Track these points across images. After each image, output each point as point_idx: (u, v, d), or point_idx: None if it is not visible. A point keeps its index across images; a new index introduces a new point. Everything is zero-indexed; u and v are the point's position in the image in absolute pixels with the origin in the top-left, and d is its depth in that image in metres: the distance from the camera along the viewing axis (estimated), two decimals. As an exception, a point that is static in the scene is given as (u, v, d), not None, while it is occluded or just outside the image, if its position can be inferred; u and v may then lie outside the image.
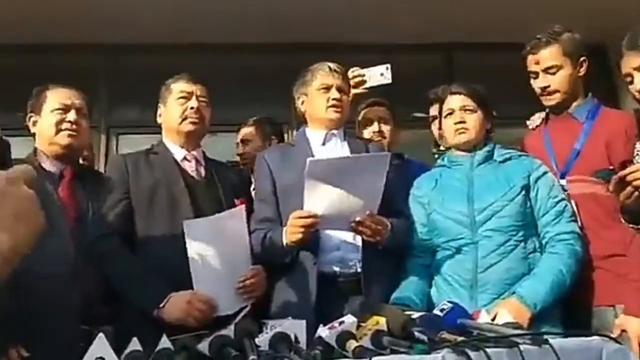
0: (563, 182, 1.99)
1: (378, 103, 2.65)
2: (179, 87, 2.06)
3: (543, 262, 1.83)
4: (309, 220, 1.74)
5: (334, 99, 2.06)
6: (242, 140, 2.91)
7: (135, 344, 1.27)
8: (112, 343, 1.24)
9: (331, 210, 1.74)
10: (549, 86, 2.07)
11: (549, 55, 2.07)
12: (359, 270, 1.90)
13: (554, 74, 2.07)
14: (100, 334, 1.25)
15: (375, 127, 2.58)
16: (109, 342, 1.24)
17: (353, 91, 2.37)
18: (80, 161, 2.51)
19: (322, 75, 2.10)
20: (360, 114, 2.65)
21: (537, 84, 2.11)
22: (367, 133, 2.58)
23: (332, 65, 2.12)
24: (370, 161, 1.83)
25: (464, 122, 2.00)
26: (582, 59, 2.09)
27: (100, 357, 1.19)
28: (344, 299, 1.87)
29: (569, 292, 1.81)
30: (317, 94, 2.09)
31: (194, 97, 2.03)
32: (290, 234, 1.79)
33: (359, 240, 1.89)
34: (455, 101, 2.04)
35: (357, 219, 1.75)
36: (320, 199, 1.73)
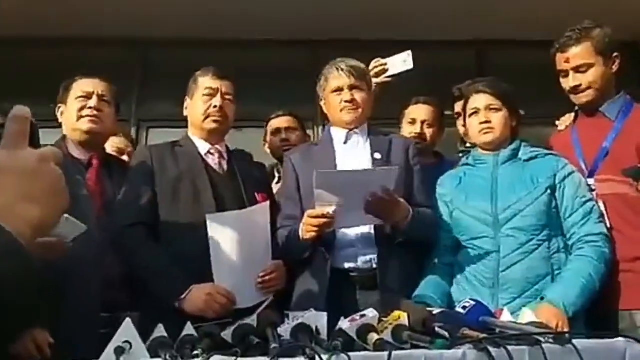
0: (591, 181, 1.95)
1: (427, 102, 2.63)
2: (205, 82, 2.08)
3: (572, 266, 1.80)
4: (322, 221, 1.75)
5: (346, 101, 2.07)
6: (287, 128, 2.83)
7: (160, 330, 1.30)
8: (138, 329, 1.27)
9: (343, 206, 1.75)
10: (580, 85, 2.03)
11: (579, 53, 2.02)
12: (374, 266, 1.91)
13: (584, 72, 2.02)
14: (128, 319, 1.28)
15: (417, 128, 2.57)
16: (135, 327, 1.27)
17: (376, 80, 2.36)
18: (125, 158, 2.58)
19: (333, 77, 2.10)
20: (407, 109, 2.64)
21: (567, 83, 2.07)
22: (408, 131, 2.58)
23: (341, 65, 2.10)
24: (378, 175, 1.83)
25: (489, 121, 1.98)
26: (614, 55, 2.03)
27: (127, 342, 1.22)
28: (358, 293, 1.89)
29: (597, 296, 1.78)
30: (331, 97, 2.11)
31: (218, 95, 2.05)
32: (305, 232, 1.82)
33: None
34: (480, 100, 2.01)
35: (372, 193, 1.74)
36: (331, 202, 1.74)
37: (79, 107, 2.06)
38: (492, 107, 1.99)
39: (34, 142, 0.64)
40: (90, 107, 2.06)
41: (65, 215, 0.76)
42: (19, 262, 0.52)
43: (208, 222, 1.77)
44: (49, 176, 0.62)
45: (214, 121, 2.05)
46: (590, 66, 2.01)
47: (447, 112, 2.88)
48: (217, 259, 1.79)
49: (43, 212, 0.59)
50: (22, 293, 0.52)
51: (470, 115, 2.04)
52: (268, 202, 1.91)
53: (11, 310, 0.50)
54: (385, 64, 2.44)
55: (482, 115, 2.00)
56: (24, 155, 0.61)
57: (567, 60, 2.04)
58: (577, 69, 2.03)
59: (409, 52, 2.43)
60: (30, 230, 0.56)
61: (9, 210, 0.55)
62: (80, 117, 2.05)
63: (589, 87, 2.02)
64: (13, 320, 0.51)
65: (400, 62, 2.44)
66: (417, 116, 2.60)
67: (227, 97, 2.07)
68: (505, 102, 2.00)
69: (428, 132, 2.59)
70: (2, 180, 0.58)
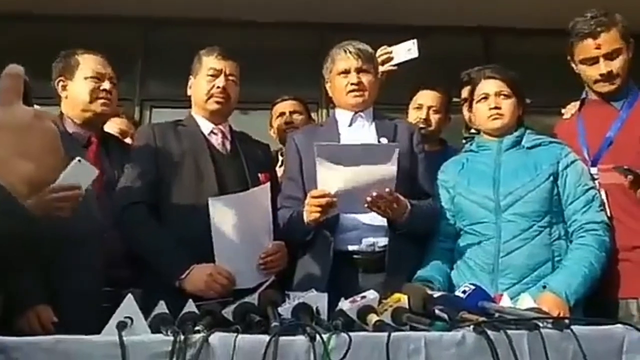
0: (593, 170, 1.95)
1: (433, 88, 2.62)
2: (209, 62, 2.06)
3: (574, 254, 1.81)
4: (324, 200, 1.75)
5: (352, 84, 2.05)
6: (292, 112, 2.84)
7: (162, 307, 1.31)
8: (139, 305, 1.28)
9: (345, 188, 1.75)
10: (611, 71, 1.97)
11: (611, 39, 1.95)
12: (377, 249, 1.92)
13: (615, 58, 1.97)
14: (129, 295, 1.29)
15: (422, 113, 2.57)
16: (137, 303, 1.28)
17: (381, 69, 2.35)
18: (128, 140, 2.56)
19: (340, 59, 2.08)
20: (414, 94, 2.63)
21: (596, 70, 1.98)
22: (414, 116, 2.57)
23: (349, 47, 2.08)
24: (378, 150, 1.83)
25: (499, 107, 1.97)
26: (631, 42, 2.00)
27: (129, 317, 1.23)
28: (360, 276, 1.90)
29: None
30: (337, 79, 2.09)
31: (222, 76, 2.03)
32: (308, 213, 1.82)
33: (379, 222, 1.90)
34: (490, 86, 2.00)
35: (374, 194, 1.75)
36: (333, 178, 1.75)
37: (91, 87, 2.03)
38: (502, 93, 1.98)
39: (27, 101, 0.63)
40: (105, 90, 2.04)
41: (78, 158, 0.75)
42: (14, 217, 0.52)
43: (210, 205, 1.78)
44: (44, 133, 0.61)
45: (217, 102, 2.04)
46: (619, 52, 1.97)
47: (454, 99, 2.87)
48: (219, 240, 1.80)
49: (38, 169, 0.58)
50: (17, 249, 0.52)
51: (479, 100, 2.02)
52: (269, 184, 1.91)
53: (7, 266, 0.50)
54: (391, 52, 2.43)
55: (491, 100, 1.98)
56: (19, 112, 0.60)
57: (598, 47, 1.96)
58: (609, 55, 1.97)
59: (414, 40, 2.43)
60: (26, 187, 0.56)
61: (3, 166, 0.54)
62: (94, 99, 2.03)
63: (618, 74, 1.98)
64: (9, 276, 0.50)
65: (405, 51, 2.43)
66: (424, 101, 2.60)
67: (231, 77, 2.06)
68: (515, 90, 1.99)
69: (434, 118, 2.58)
70: None
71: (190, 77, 2.13)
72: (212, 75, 2.04)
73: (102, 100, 2.04)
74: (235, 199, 1.85)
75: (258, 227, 1.88)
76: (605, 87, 2.01)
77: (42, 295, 1.70)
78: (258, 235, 1.88)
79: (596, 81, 2.01)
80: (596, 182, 1.93)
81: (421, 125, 2.50)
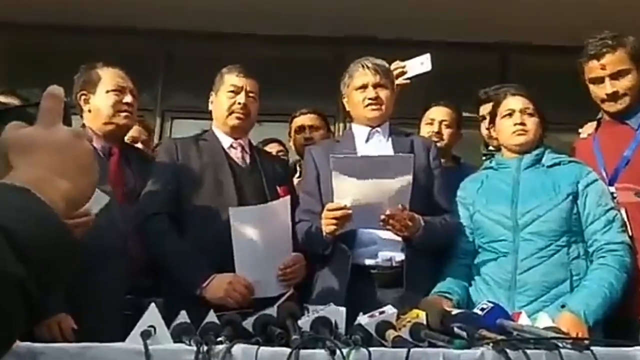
0: (612, 188, 1.95)
1: (445, 105, 2.65)
2: (230, 79, 2.10)
3: (594, 274, 1.80)
4: (339, 212, 1.77)
5: (369, 99, 2.07)
6: (310, 126, 2.85)
7: (183, 317, 1.34)
8: (161, 314, 1.31)
9: (360, 202, 1.76)
10: (617, 91, 1.99)
11: (617, 59, 1.99)
12: (394, 264, 1.93)
13: (621, 78, 1.99)
14: (152, 304, 1.32)
15: (435, 127, 2.58)
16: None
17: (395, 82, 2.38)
18: (140, 145, 2.62)
19: (358, 74, 2.11)
20: (425, 111, 2.65)
21: (602, 91, 2.01)
22: (426, 131, 2.59)
23: (367, 63, 2.11)
24: (393, 162, 1.84)
25: (524, 124, 1.97)
26: None
27: (152, 326, 1.26)
28: (379, 290, 1.90)
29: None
30: (355, 94, 2.11)
31: (243, 92, 2.08)
32: (325, 226, 1.83)
33: (396, 237, 1.90)
34: (516, 102, 2.01)
35: (388, 212, 1.77)
36: (348, 192, 1.77)
37: (113, 100, 2.07)
38: (528, 110, 1.99)
39: (67, 121, 0.66)
40: (127, 103, 2.08)
41: None
42: (56, 230, 0.53)
43: (231, 215, 1.82)
44: (82, 152, 0.63)
45: (237, 118, 2.08)
46: (627, 72, 1.99)
47: (468, 114, 2.88)
48: (239, 251, 1.83)
49: (76, 187, 0.60)
50: (59, 261, 0.53)
51: (504, 116, 2.03)
52: (289, 197, 1.95)
53: (45, 277, 0.51)
54: (404, 66, 2.45)
55: (517, 117, 1.99)
56: (59, 132, 0.62)
57: (603, 67, 2.00)
58: (614, 75, 1.99)
59: (428, 54, 2.45)
60: (64, 204, 0.57)
61: (44, 183, 0.56)
62: (117, 112, 2.07)
63: (625, 94, 2.00)
64: (47, 288, 0.51)
65: (418, 64, 2.45)
66: (435, 116, 2.62)
67: (251, 94, 2.10)
68: (538, 110, 2.00)
69: (446, 132, 2.59)
70: (38, 155, 0.59)
71: (212, 93, 2.18)
72: (233, 92, 2.08)
73: (124, 114, 2.08)
74: (256, 210, 1.89)
75: (278, 239, 1.91)
76: (612, 107, 2.04)
77: (63, 303, 1.73)
78: (278, 247, 1.91)
79: (603, 100, 2.04)
80: (614, 201, 1.93)
81: (434, 139, 2.51)
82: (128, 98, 2.10)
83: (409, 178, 1.77)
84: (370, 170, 1.76)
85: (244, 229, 1.84)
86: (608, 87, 2.01)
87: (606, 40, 2.00)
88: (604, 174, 1.99)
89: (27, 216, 0.51)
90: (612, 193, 1.95)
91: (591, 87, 2.07)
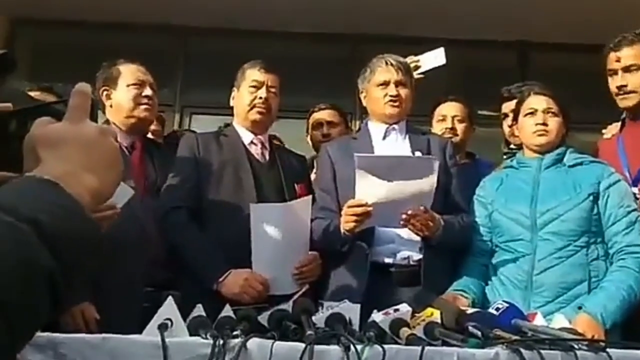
0: (635, 190, 1.93)
1: (456, 100, 2.63)
2: (252, 75, 2.12)
3: (613, 276, 1.78)
4: (360, 209, 1.77)
5: (391, 95, 2.07)
6: (328, 122, 2.83)
7: (199, 310, 1.36)
8: (178, 307, 1.33)
9: (382, 201, 1.76)
10: (626, 85, 2.01)
11: (631, 53, 2.01)
12: (411, 262, 1.93)
13: (633, 72, 2.00)
14: (170, 297, 1.34)
15: (448, 123, 2.56)
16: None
17: None
18: (150, 136, 2.65)
19: (380, 70, 2.10)
20: (435, 109, 2.64)
21: (614, 83, 2.05)
22: (439, 128, 2.57)
23: (390, 59, 2.10)
24: (416, 163, 1.84)
25: (546, 124, 1.95)
26: None
27: (169, 319, 1.28)
28: (395, 288, 1.90)
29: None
30: (375, 90, 2.11)
31: (264, 87, 2.09)
32: (344, 222, 1.84)
33: (415, 236, 1.90)
34: (538, 102, 1.99)
35: (410, 212, 1.77)
36: (371, 190, 1.76)
37: (134, 94, 2.10)
38: (550, 110, 1.97)
39: (93, 118, 0.67)
40: (146, 96, 2.12)
41: None
42: (83, 223, 0.54)
43: (252, 211, 1.83)
44: (108, 148, 0.64)
45: (259, 112, 2.10)
46: (639, 68, 2.00)
47: (485, 112, 2.86)
48: (257, 247, 1.84)
49: (102, 182, 0.61)
50: (86, 253, 0.55)
51: (526, 115, 2.01)
52: (310, 197, 1.95)
53: (73, 268, 0.52)
54: (418, 61, 2.44)
55: (539, 116, 1.97)
56: (86, 128, 0.63)
57: (618, 59, 2.03)
58: (626, 69, 2.02)
59: (442, 48, 2.43)
60: (90, 198, 0.58)
61: (71, 178, 0.57)
62: (137, 105, 2.10)
63: (633, 91, 2.01)
64: (74, 279, 0.53)
65: (432, 58, 2.44)
66: (447, 112, 2.60)
67: (272, 90, 2.12)
68: (562, 109, 1.98)
69: (459, 127, 2.57)
70: (66, 150, 0.60)
71: (233, 89, 2.19)
72: (254, 87, 2.10)
73: (144, 106, 2.11)
74: (277, 208, 1.91)
75: (296, 237, 1.92)
76: (623, 101, 2.05)
77: (87, 293, 1.77)
78: (295, 245, 1.93)
79: (616, 94, 2.05)
80: (638, 201, 1.91)
81: (448, 135, 2.50)
82: (148, 91, 2.13)
83: (433, 180, 1.77)
84: (395, 170, 1.75)
85: (264, 226, 1.85)
86: (619, 79, 2.03)
87: (628, 35, 2.02)
88: (628, 175, 1.97)
89: (56, 209, 0.52)
90: (634, 194, 1.92)
91: (609, 79, 2.08)
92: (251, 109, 2.10)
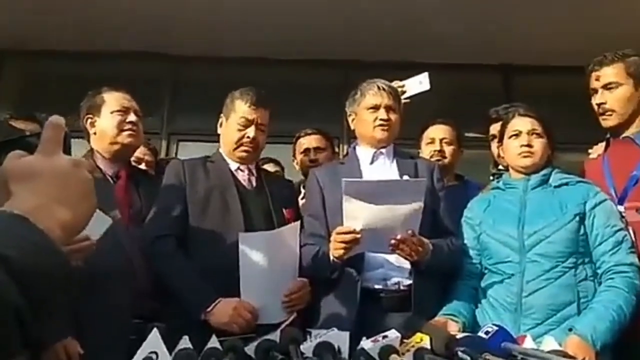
0: (621, 208, 1.94)
1: (444, 122, 2.65)
2: (241, 109, 2.09)
3: (602, 297, 1.77)
4: (348, 237, 1.77)
5: (381, 119, 2.08)
6: (316, 148, 2.87)
7: (185, 342, 1.33)
8: (164, 339, 1.30)
9: (370, 227, 1.76)
10: (604, 103, 2.05)
11: (611, 72, 2.05)
12: (401, 288, 1.92)
13: (612, 90, 2.05)
14: (155, 329, 1.32)
15: (436, 146, 2.58)
16: (161, 338, 1.31)
17: None
18: (143, 166, 2.65)
19: (371, 94, 2.11)
20: (424, 132, 2.66)
21: (594, 101, 2.09)
22: (427, 151, 2.59)
23: (381, 84, 2.12)
24: (406, 186, 1.84)
25: (530, 146, 1.97)
26: None
27: (154, 352, 1.25)
28: (385, 314, 1.89)
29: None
30: (365, 113, 2.12)
31: (253, 126, 2.07)
32: (333, 249, 1.83)
33: (404, 261, 1.89)
34: (523, 123, 2.01)
35: (398, 237, 1.77)
36: (359, 214, 1.76)
37: (118, 120, 2.09)
38: (535, 132, 1.99)
39: (66, 150, 0.67)
40: (130, 122, 2.11)
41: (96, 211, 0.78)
42: (53, 258, 0.54)
43: (240, 240, 1.82)
44: (80, 181, 0.64)
45: (245, 151, 2.09)
46: (619, 85, 2.04)
47: (473, 135, 2.88)
48: (245, 276, 1.83)
49: (74, 215, 0.61)
50: (56, 288, 0.54)
51: (511, 137, 2.03)
52: (298, 223, 1.94)
53: (42, 303, 0.52)
54: (403, 86, 2.47)
55: (523, 138, 1.98)
56: (59, 161, 0.64)
57: (597, 78, 2.08)
58: (606, 86, 2.06)
59: (426, 73, 2.46)
60: (62, 232, 0.58)
61: (43, 211, 0.57)
62: (121, 131, 2.09)
63: (613, 110, 2.04)
64: (44, 314, 0.52)
65: (417, 84, 2.47)
66: (435, 135, 2.62)
67: (261, 127, 2.11)
68: (546, 130, 2.00)
69: (447, 149, 2.60)
70: (38, 184, 0.60)
71: (222, 116, 2.17)
72: (243, 125, 2.08)
73: (128, 132, 2.10)
74: (265, 236, 1.89)
75: (285, 265, 1.91)
76: (604, 122, 2.08)
77: (69, 329, 1.73)
78: (284, 273, 1.91)
79: (598, 114, 2.09)
80: (623, 220, 1.92)
81: (436, 158, 2.52)
82: (132, 117, 2.12)
83: (420, 203, 1.77)
84: (382, 194, 1.75)
85: (252, 255, 1.84)
86: (598, 97, 2.08)
87: (608, 54, 2.07)
88: (614, 194, 1.98)
89: (25, 244, 0.52)
90: (620, 212, 1.93)
91: (592, 99, 2.12)
92: (238, 146, 2.09)
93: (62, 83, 4.60)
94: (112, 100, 2.14)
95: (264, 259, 1.85)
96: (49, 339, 1.70)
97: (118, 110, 2.11)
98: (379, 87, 2.11)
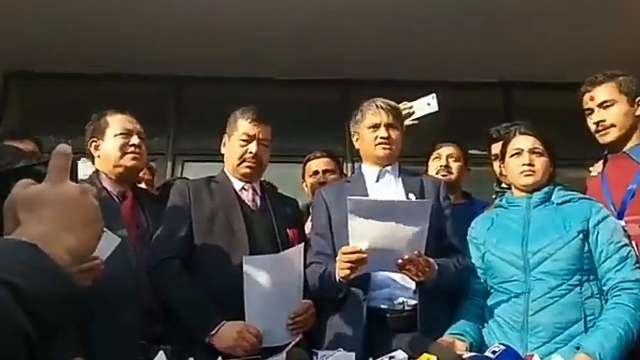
0: (622, 222, 1.95)
1: (450, 143, 2.70)
2: (243, 126, 2.11)
3: (608, 314, 1.76)
4: (354, 256, 1.76)
5: (381, 137, 2.10)
6: (325, 170, 2.91)
7: (192, 364, 1.33)
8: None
9: (376, 246, 1.76)
10: (604, 120, 2.09)
11: (604, 91, 2.10)
12: (406, 307, 1.91)
13: (608, 108, 2.09)
14: (161, 352, 1.32)
15: (442, 161, 2.61)
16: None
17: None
18: (143, 185, 2.66)
19: (370, 114, 2.14)
20: (431, 152, 2.70)
21: (591, 120, 2.13)
22: (433, 167, 2.61)
23: (380, 102, 2.14)
24: (411, 207, 1.85)
25: (532, 164, 1.97)
26: (638, 99, 2.09)
27: (160, 374, 1.25)
28: (392, 334, 1.87)
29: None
30: (366, 132, 2.14)
31: (255, 142, 2.09)
32: (339, 269, 1.82)
33: (409, 281, 1.89)
34: (524, 142, 2.01)
35: (405, 257, 1.76)
36: (365, 235, 1.76)
37: (121, 143, 2.12)
38: (536, 150, 1.99)
39: (73, 177, 0.69)
40: (133, 145, 2.13)
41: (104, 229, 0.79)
42: (60, 284, 0.55)
43: (244, 263, 1.82)
44: (87, 207, 0.66)
45: (248, 167, 2.11)
46: (613, 103, 2.09)
47: (474, 152, 2.90)
48: (250, 299, 1.83)
49: (80, 241, 0.63)
50: (63, 312, 0.56)
51: (512, 155, 2.03)
52: (302, 245, 1.94)
53: (50, 328, 0.53)
54: (411, 107, 2.49)
55: (525, 157, 1.99)
56: (66, 188, 0.66)
57: (591, 98, 2.13)
58: (601, 105, 2.10)
59: (433, 95, 2.49)
60: (69, 257, 0.60)
61: (50, 238, 0.59)
62: (124, 154, 2.12)
63: (612, 125, 2.08)
64: (52, 338, 0.53)
65: (425, 105, 2.50)
66: (442, 152, 2.66)
67: (263, 142, 2.12)
68: (548, 149, 2.01)
69: (454, 165, 2.62)
70: (46, 211, 0.62)
71: (225, 135, 2.20)
72: (245, 141, 2.10)
73: (131, 155, 2.13)
74: (269, 259, 1.89)
75: (289, 287, 1.91)
76: (603, 137, 2.12)
77: (79, 349, 1.73)
78: (289, 295, 1.91)
79: (595, 131, 2.13)
80: (625, 234, 1.92)
81: (442, 173, 2.54)
82: (135, 140, 2.14)
83: (425, 224, 1.77)
84: (387, 214, 1.75)
85: (257, 278, 1.84)
86: (595, 116, 2.12)
87: (599, 75, 2.13)
88: (612, 209, 1.99)
89: (33, 271, 0.54)
90: (623, 227, 1.93)
91: (587, 120, 2.17)
92: (241, 162, 2.11)
93: (67, 105, 4.65)
94: (115, 123, 2.17)
95: (268, 282, 1.84)
96: (59, 358, 1.69)
97: (121, 134, 2.14)
98: (377, 106, 2.14)
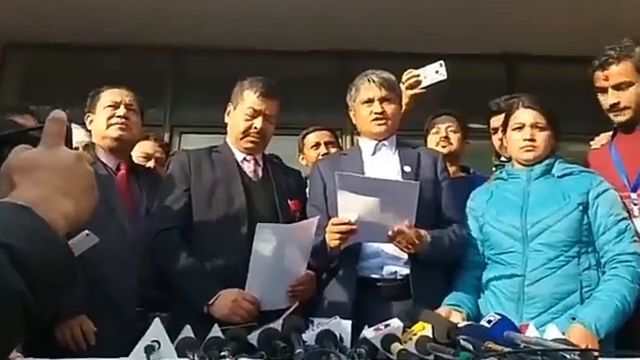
0: (634, 195, 1.94)
1: (448, 114, 2.66)
2: (249, 99, 2.05)
3: (605, 285, 1.77)
4: (344, 227, 1.77)
5: (376, 113, 2.06)
6: (327, 142, 2.88)
7: (188, 331, 1.35)
8: (167, 329, 1.31)
9: (364, 219, 1.77)
10: (618, 102, 2.02)
11: (619, 71, 2.01)
12: (398, 277, 1.93)
13: (624, 90, 2.01)
14: (157, 319, 1.33)
15: (442, 133, 2.58)
16: (164, 327, 1.31)
17: (410, 92, 2.36)
18: (152, 163, 2.65)
19: (363, 88, 2.10)
20: (429, 124, 2.66)
21: (605, 100, 2.05)
22: (433, 140, 2.59)
23: (373, 76, 2.09)
24: (399, 187, 1.84)
25: (533, 139, 1.95)
26: None
27: (156, 341, 1.26)
28: (383, 303, 1.89)
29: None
30: (361, 107, 2.11)
31: (260, 117, 2.04)
32: (329, 240, 1.83)
33: (400, 251, 1.89)
34: (526, 116, 1.98)
35: (396, 228, 1.77)
36: (353, 208, 1.77)
37: (107, 115, 2.15)
38: (538, 124, 1.96)
39: (68, 144, 0.68)
40: (118, 116, 2.14)
41: (86, 232, 0.80)
42: (55, 246, 0.56)
43: (257, 231, 1.81)
44: (83, 173, 0.66)
45: (251, 141, 2.08)
46: (630, 84, 2.01)
47: (476, 125, 2.87)
48: (255, 264, 1.83)
49: (76, 207, 0.63)
50: (59, 274, 0.56)
51: (514, 129, 2.00)
52: (317, 218, 1.90)
53: (46, 290, 0.53)
54: (418, 75, 2.42)
55: (526, 131, 1.96)
56: (61, 154, 0.65)
57: (606, 78, 2.03)
58: (616, 87, 2.02)
59: (442, 62, 2.40)
60: (65, 223, 0.60)
61: (46, 202, 0.59)
62: (109, 125, 2.14)
63: (627, 107, 2.02)
64: (45, 297, 0.53)
65: (433, 73, 2.40)
66: (440, 125, 2.62)
67: (269, 118, 2.08)
68: (550, 122, 1.97)
69: (453, 137, 2.58)
70: (41, 176, 0.62)
71: (230, 104, 2.15)
72: (250, 115, 2.05)
73: (116, 126, 2.14)
74: (282, 229, 1.90)
75: (296, 257, 1.91)
76: (617, 117, 2.06)
77: (82, 307, 1.77)
78: (293, 265, 1.92)
79: (608, 110, 2.06)
80: (637, 207, 1.91)
81: (442, 144, 2.51)
82: (121, 111, 2.15)
83: (413, 204, 1.78)
84: (375, 191, 1.76)
85: (266, 245, 1.84)
86: (610, 97, 2.03)
87: (613, 52, 2.01)
88: (626, 182, 1.97)
89: (28, 233, 0.54)
90: (634, 200, 1.93)
91: (599, 95, 2.09)
92: (244, 136, 2.07)
93: (64, 75, 4.61)
94: (106, 96, 2.20)
95: (276, 250, 1.84)
96: (63, 313, 1.78)
97: (108, 106, 2.16)
98: (370, 80, 2.09)
